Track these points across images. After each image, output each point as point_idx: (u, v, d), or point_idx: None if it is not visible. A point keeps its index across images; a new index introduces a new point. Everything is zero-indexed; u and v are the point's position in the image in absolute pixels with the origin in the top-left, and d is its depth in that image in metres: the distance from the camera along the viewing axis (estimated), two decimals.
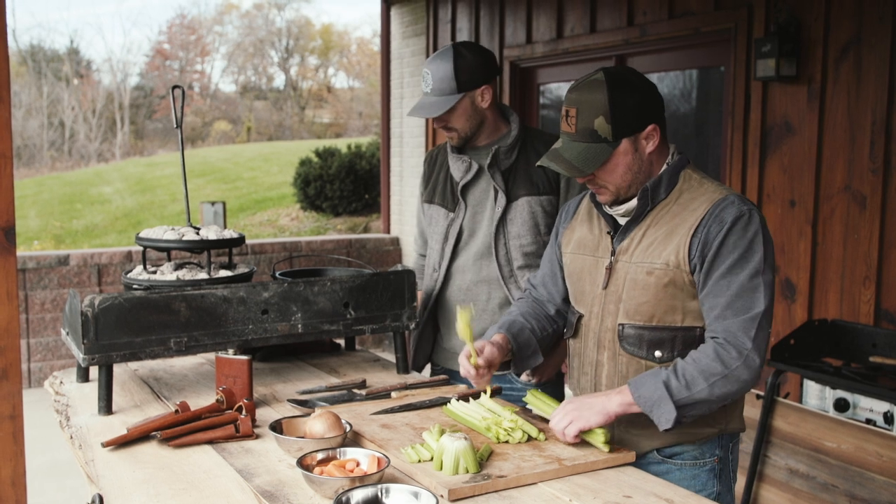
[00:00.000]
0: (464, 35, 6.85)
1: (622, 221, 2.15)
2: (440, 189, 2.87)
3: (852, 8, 4.00)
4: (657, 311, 2.05)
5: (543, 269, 2.43)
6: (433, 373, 2.96)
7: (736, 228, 1.97)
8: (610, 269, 2.13)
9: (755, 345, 1.94)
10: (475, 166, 2.76)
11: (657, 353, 2.06)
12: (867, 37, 3.94)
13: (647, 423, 2.07)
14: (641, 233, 2.09)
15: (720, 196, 2.03)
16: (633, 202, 2.09)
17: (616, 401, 1.98)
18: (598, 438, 1.97)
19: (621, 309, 2.10)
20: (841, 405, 3.23)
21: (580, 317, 2.22)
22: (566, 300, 2.37)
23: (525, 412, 2.23)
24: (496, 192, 2.73)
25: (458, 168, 2.79)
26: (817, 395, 3.36)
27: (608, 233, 2.17)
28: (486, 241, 2.76)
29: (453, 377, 2.79)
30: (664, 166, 2.10)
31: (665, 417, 1.94)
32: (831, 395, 3.28)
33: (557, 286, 2.37)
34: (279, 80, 34.99)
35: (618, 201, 2.11)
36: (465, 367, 2.17)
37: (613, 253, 2.13)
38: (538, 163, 2.11)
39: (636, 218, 2.10)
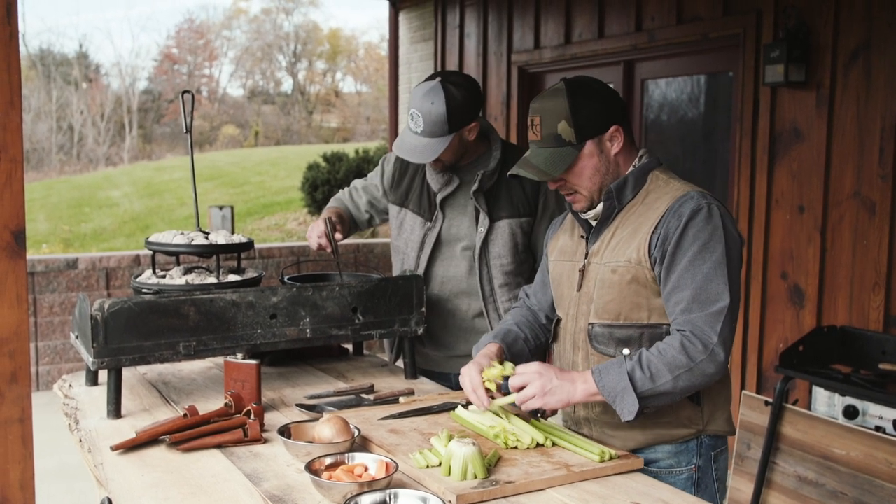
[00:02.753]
0: (472, 41, 6.86)
1: (595, 224, 2.19)
2: (416, 196, 2.89)
3: (862, 13, 3.99)
4: (623, 309, 2.08)
5: (537, 278, 2.48)
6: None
7: (695, 221, 2.00)
8: (583, 271, 2.17)
9: (721, 339, 1.96)
10: (456, 180, 2.81)
11: (625, 351, 2.09)
12: (877, 42, 3.94)
13: (623, 425, 2.10)
14: (610, 234, 2.13)
15: (682, 192, 2.07)
16: (601, 205, 2.13)
17: (581, 389, 2.00)
18: (594, 457, 1.97)
19: (592, 309, 2.14)
20: (850, 412, 3.21)
21: (558, 320, 2.27)
22: (552, 308, 2.40)
23: (533, 417, 2.23)
24: (478, 212, 2.79)
25: (437, 180, 2.83)
26: (826, 402, 3.34)
27: (582, 237, 2.21)
28: (468, 255, 2.83)
29: (434, 379, 2.84)
30: (630, 168, 2.14)
31: (628, 409, 1.96)
32: (840, 402, 3.27)
33: (546, 295, 2.41)
34: (287, 85, 35.09)
35: (592, 206, 2.15)
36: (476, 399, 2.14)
37: (587, 256, 2.17)
38: (509, 172, 2.16)
39: (604, 220, 2.14)
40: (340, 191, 3.18)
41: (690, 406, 2.10)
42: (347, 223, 3.04)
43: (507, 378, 2.09)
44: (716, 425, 2.14)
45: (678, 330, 2.00)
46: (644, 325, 2.08)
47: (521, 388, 2.04)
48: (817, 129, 4.20)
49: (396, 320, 2.66)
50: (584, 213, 2.18)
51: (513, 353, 2.30)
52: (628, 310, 2.08)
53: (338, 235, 2.84)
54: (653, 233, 2.04)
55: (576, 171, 2.10)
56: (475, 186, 2.76)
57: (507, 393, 2.11)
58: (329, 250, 2.84)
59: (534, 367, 2.05)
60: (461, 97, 2.65)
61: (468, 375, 2.14)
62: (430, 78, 2.70)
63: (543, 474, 1.88)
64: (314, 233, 2.87)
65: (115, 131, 29.58)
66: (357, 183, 3.12)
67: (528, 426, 2.10)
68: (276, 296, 2.46)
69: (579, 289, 2.17)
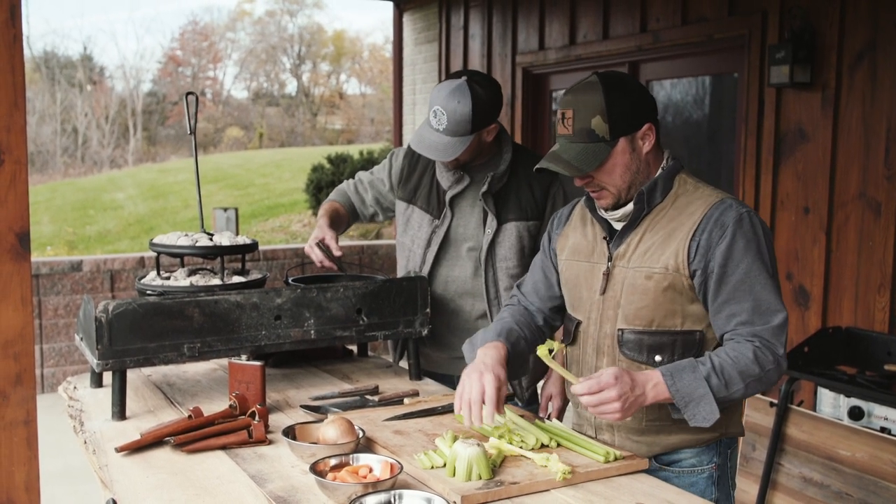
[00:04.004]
0: (476, 42, 6.86)
1: (617, 226, 2.13)
2: (424, 193, 2.88)
3: (867, 14, 3.98)
4: (657, 316, 2.05)
5: (534, 276, 2.39)
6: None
7: (741, 232, 1.98)
8: (607, 274, 2.12)
9: (785, 350, 1.99)
10: (466, 179, 2.80)
11: (657, 358, 2.05)
12: (882, 43, 3.93)
13: (650, 431, 2.09)
14: (638, 237, 2.08)
15: (717, 199, 2.04)
16: (630, 206, 2.09)
17: (651, 395, 1.92)
18: (599, 458, 1.96)
19: (620, 314, 2.09)
20: (855, 413, 3.21)
21: (578, 323, 2.20)
22: (554, 309, 2.35)
23: (536, 418, 2.23)
24: (486, 214, 2.78)
25: (447, 177, 2.82)
26: (831, 403, 3.34)
27: (604, 238, 2.16)
28: (474, 256, 2.82)
29: (437, 380, 2.83)
30: (659, 170, 2.10)
31: (703, 416, 1.92)
32: (845, 402, 3.26)
33: (552, 292, 2.34)
34: (291, 87, 35.15)
35: (617, 205, 2.10)
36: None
37: (610, 258, 2.12)
38: (536, 166, 2.09)
39: (632, 222, 2.09)
40: (344, 182, 3.13)
41: None
42: (345, 221, 3.02)
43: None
44: (734, 427, 2.16)
45: (748, 340, 1.97)
46: (678, 331, 2.04)
47: (594, 392, 1.88)
48: (822, 130, 4.19)
49: (401, 321, 2.66)
50: (610, 212, 2.12)
51: (516, 352, 2.22)
52: (662, 316, 2.04)
53: (337, 254, 2.82)
54: (691, 239, 2.01)
55: (607, 169, 2.04)
56: (484, 188, 2.75)
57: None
58: (335, 269, 2.84)
59: (609, 376, 1.88)
60: (486, 98, 2.63)
61: (487, 384, 1.98)
62: (455, 76, 2.67)
63: (548, 475, 1.87)
64: (314, 256, 2.83)
65: (120, 133, 29.64)
66: (363, 177, 3.07)
67: (532, 427, 2.10)
68: (281, 297, 2.46)
69: (603, 292, 2.12)
